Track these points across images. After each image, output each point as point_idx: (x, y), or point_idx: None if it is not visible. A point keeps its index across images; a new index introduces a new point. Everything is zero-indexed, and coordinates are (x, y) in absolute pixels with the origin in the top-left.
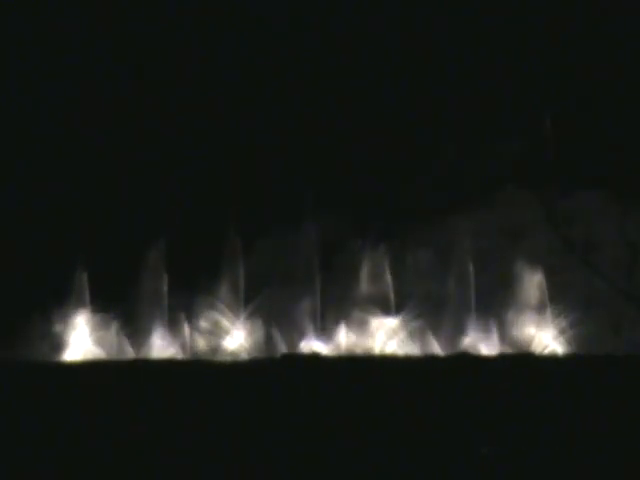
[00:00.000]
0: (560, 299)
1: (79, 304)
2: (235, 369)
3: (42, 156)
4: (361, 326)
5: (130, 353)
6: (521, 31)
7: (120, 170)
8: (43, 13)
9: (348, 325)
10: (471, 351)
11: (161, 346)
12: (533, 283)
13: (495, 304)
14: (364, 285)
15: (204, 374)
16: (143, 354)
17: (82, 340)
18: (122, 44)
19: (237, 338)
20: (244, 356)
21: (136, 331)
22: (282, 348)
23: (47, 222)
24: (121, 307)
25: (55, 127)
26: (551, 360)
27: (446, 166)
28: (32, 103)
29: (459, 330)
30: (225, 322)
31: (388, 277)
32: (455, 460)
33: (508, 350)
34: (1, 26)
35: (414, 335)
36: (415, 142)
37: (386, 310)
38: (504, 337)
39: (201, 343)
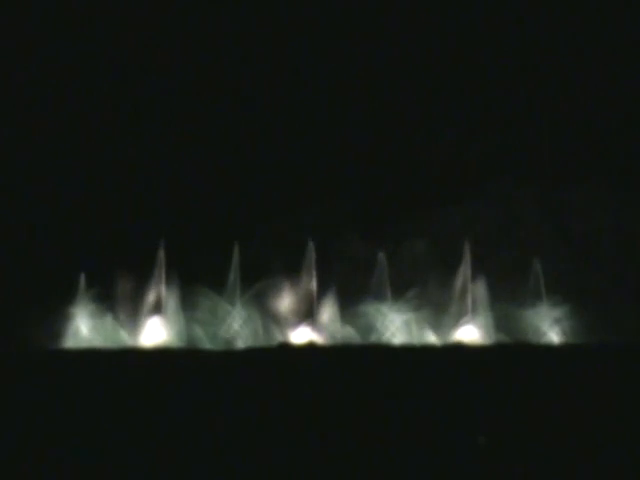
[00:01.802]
0: (556, 289)
1: (76, 293)
2: (231, 358)
3: (42, 156)
4: (357, 315)
5: (126, 341)
6: (521, 31)
7: (120, 170)
8: (43, 13)
9: (344, 314)
10: (467, 341)
11: (157, 334)
12: (529, 273)
13: (491, 294)
14: (360, 275)
15: (200, 363)
16: (139, 342)
17: (78, 328)
18: (122, 44)
19: (233, 327)
20: (240, 345)
21: (132, 319)
22: (278, 337)
23: (46, 213)
24: (117, 295)
25: (55, 127)
26: (547, 349)
27: (443, 158)
28: (32, 102)
29: (455, 320)
30: (221, 311)
31: (384, 267)
32: (452, 449)
33: (504, 339)
34: (1, 26)
35: (410, 325)
36: (413, 138)
37: (382, 300)
38: (500, 327)
39: (197, 332)
